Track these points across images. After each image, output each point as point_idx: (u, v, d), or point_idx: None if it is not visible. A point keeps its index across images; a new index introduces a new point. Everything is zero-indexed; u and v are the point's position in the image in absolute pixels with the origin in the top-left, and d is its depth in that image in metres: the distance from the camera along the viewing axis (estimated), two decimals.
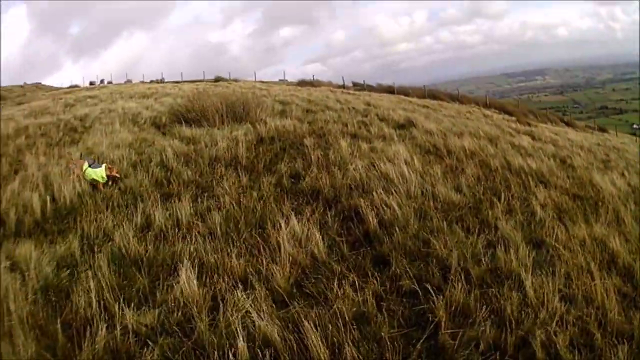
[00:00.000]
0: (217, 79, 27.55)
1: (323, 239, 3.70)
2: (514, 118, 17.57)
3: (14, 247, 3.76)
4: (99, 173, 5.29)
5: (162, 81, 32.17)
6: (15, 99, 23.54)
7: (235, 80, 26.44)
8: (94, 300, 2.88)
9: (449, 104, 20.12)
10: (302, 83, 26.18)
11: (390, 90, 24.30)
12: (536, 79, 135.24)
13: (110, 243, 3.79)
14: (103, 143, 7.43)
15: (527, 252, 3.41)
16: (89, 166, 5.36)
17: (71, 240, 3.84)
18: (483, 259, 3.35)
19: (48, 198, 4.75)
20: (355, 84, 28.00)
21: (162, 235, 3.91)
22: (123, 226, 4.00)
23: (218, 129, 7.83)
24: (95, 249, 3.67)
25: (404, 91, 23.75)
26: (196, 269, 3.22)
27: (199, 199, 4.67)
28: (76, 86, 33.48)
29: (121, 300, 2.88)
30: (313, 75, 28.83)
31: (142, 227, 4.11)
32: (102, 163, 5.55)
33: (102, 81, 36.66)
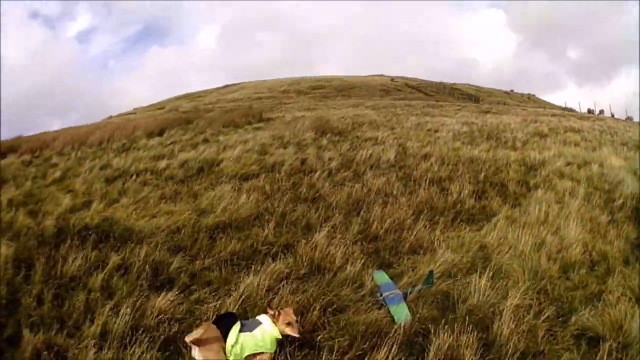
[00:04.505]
0: None
1: None
2: None
3: None
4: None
5: None
6: (482, 106, 21.38)
7: None
8: None
9: None
10: None
11: None
12: None
13: None
14: (508, 244, 4.43)
15: None
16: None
17: None
18: None
19: None
20: None
21: None
22: None
23: None
24: None
25: None
26: None
27: None
28: (571, 110, 32.23)
29: None
30: None
31: None
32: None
33: (601, 112, 33.30)
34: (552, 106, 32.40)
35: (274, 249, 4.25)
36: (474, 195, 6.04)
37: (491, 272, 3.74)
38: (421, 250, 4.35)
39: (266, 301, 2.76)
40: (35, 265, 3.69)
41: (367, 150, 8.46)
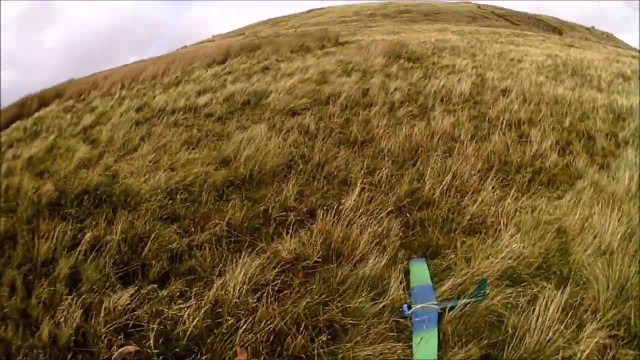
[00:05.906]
0: None
1: None
2: None
3: None
4: None
5: None
6: (565, 39, 21.04)
7: None
8: None
9: None
10: None
11: None
12: None
13: None
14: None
15: None
16: None
17: None
18: None
19: None
20: None
21: None
22: None
23: None
24: None
25: None
26: None
27: None
28: None
29: None
30: None
31: None
32: None
33: None
34: (630, 47, 30.74)
35: (291, 218, 3.32)
36: (557, 148, 4.87)
37: (566, 278, 2.57)
38: (483, 229, 3.08)
39: None
40: (18, 243, 3.25)
41: (440, 80, 7.11)
